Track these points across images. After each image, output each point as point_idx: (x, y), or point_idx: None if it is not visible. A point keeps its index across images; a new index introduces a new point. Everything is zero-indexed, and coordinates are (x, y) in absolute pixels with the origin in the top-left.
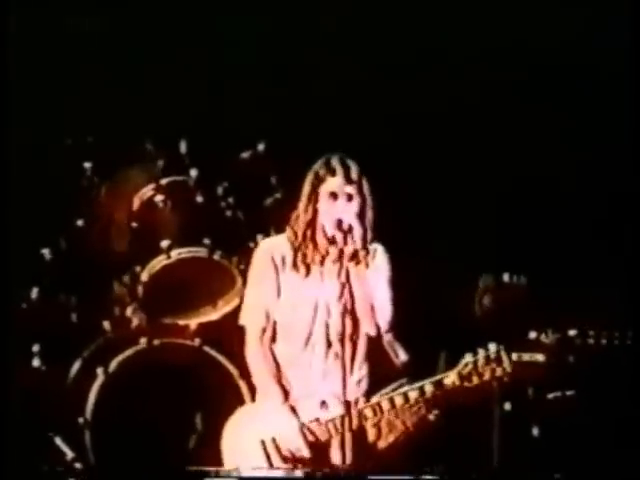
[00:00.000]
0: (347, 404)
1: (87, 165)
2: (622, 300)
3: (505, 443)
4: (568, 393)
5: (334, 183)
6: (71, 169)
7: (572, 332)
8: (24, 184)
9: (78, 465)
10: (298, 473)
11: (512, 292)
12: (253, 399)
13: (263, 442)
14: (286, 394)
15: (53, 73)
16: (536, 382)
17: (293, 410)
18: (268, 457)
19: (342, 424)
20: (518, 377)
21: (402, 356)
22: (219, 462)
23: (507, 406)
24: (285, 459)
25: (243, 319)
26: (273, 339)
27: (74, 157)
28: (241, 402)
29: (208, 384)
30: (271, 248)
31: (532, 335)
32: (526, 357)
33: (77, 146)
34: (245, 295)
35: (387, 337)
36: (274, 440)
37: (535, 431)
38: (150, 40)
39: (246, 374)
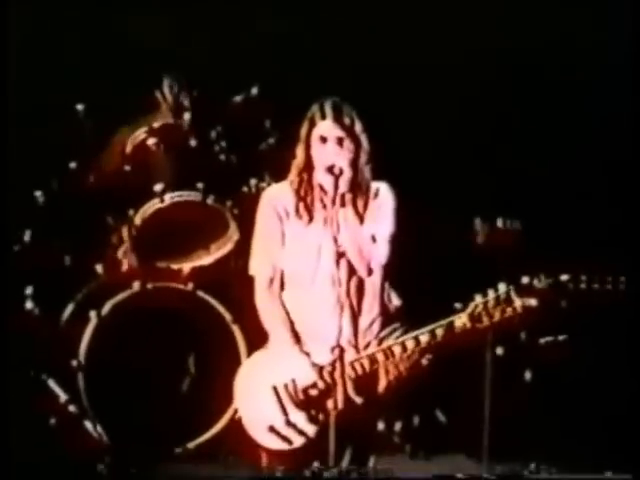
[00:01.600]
0: (358, 348)
1: (80, 107)
2: (615, 245)
3: (497, 388)
4: (560, 338)
5: (324, 127)
6: (64, 111)
7: (564, 277)
8: (18, 126)
9: (72, 408)
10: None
11: (505, 236)
12: (247, 343)
13: (275, 388)
14: (298, 339)
15: (50, 9)
16: (529, 327)
17: (306, 353)
18: (281, 403)
19: (353, 368)
20: (512, 323)
21: (395, 301)
22: (211, 406)
23: (499, 351)
24: (297, 404)
25: (252, 269)
26: (282, 287)
27: (67, 99)
28: (234, 346)
29: (201, 328)
30: (274, 198)
31: (525, 280)
32: (518, 299)
33: (70, 88)
34: (252, 246)
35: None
36: (286, 386)
37: (527, 375)
38: None
39: (239, 318)
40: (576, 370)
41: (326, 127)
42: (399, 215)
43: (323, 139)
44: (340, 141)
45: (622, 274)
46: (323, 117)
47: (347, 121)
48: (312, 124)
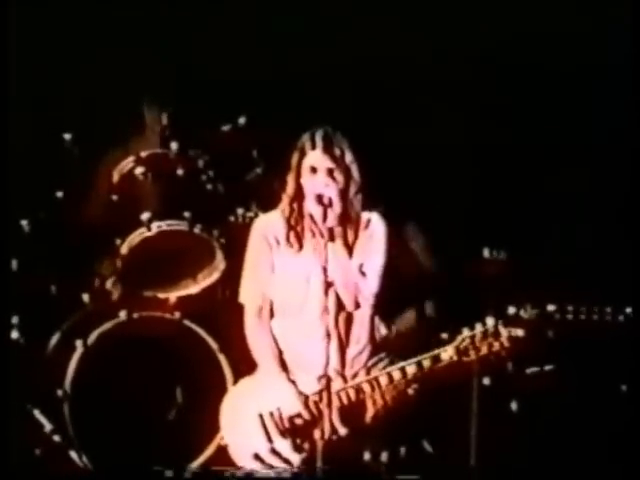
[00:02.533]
0: (345, 378)
1: (67, 136)
2: (600, 276)
3: (484, 418)
4: (547, 368)
5: (314, 157)
6: (51, 140)
7: (551, 307)
8: (3, 155)
9: (56, 437)
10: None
11: (492, 267)
12: (233, 372)
13: (261, 416)
14: (285, 368)
15: (34, 45)
16: (515, 357)
17: (292, 382)
18: (266, 431)
19: (339, 398)
20: (498, 355)
21: (382, 330)
22: (198, 434)
23: (486, 381)
24: (283, 433)
25: (242, 297)
26: (271, 315)
27: (54, 128)
28: (221, 375)
29: (188, 357)
30: (264, 226)
31: (511, 310)
32: (505, 332)
33: (57, 117)
34: (242, 274)
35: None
36: (272, 414)
37: (514, 406)
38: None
39: (226, 347)
40: (562, 400)
41: (316, 157)
42: (389, 246)
43: (313, 169)
44: (330, 172)
45: (608, 304)
46: (313, 147)
47: (337, 151)
48: (302, 154)
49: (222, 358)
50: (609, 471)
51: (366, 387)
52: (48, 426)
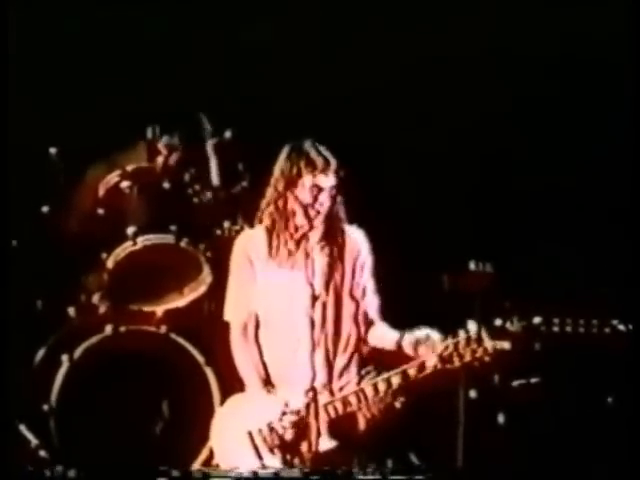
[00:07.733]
0: (332, 391)
1: (52, 151)
2: (586, 288)
3: (471, 430)
4: (533, 380)
5: (299, 170)
6: (37, 155)
7: (537, 320)
8: None
9: (42, 452)
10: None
11: (478, 279)
12: (220, 386)
13: (250, 433)
14: (271, 385)
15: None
16: (502, 369)
17: (280, 397)
18: (256, 448)
19: (326, 411)
20: (484, 364)
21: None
22: (184, 449)
23: (473, 393)
24: (272, 449)
25: (226, 314)
26: (257, 329)
27: (40, 142)
28: (207, 389)
29: (174, 371)
30: (247, 242)
31: (497, 323)
32: (491, 344)
33: (43, 131)
34: (227, 291)
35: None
36: (261, 431)
37: (501, 418)
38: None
39: (212, 361)
40: (549, 412)
41: (303, 171)
42: (373, 258)
43: (318, 188)
44: (316, 187)
45: (595, 317)
46: (298, 160)
47: (321, 164)
48: (289, 168)
49: (208, 372)
50: None
51: (352, 399)
52: (34, 441)
